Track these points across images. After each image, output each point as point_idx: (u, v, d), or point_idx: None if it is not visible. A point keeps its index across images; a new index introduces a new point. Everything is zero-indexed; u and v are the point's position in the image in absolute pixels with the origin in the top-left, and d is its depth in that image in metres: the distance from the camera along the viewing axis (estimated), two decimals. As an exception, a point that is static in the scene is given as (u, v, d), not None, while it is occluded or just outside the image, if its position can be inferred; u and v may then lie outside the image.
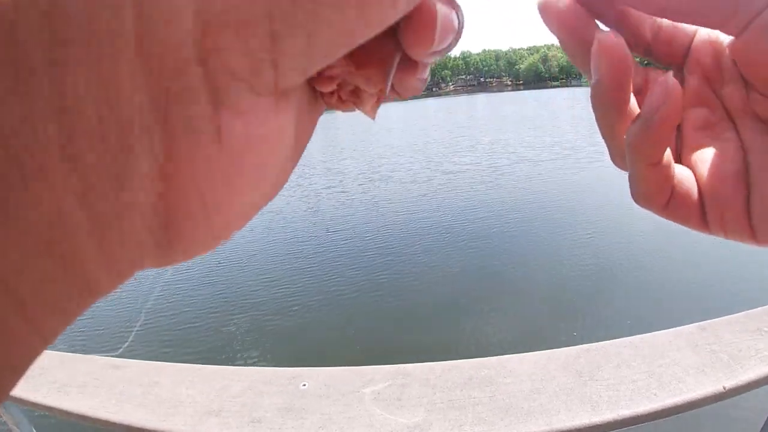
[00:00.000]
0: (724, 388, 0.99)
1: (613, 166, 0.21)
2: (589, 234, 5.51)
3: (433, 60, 0.15)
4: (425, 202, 7.61)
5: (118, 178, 0.10)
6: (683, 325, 1.20)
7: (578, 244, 5.26)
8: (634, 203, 0.21)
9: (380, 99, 0.15)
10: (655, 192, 0.19)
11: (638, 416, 0.95)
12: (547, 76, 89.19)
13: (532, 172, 9.11)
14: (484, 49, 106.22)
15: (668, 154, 0.18)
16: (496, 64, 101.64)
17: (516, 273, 4.77)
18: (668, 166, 0.18)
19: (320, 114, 0.16)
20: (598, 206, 6.55)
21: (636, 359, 1.09)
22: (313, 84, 0.14)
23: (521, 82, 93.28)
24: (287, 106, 0.13)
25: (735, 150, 0.18)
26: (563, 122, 17.57)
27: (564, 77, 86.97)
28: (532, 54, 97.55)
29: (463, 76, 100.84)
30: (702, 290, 3.95)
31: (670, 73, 0.17)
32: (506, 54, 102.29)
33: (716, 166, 0.18)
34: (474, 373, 1.04)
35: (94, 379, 1.22)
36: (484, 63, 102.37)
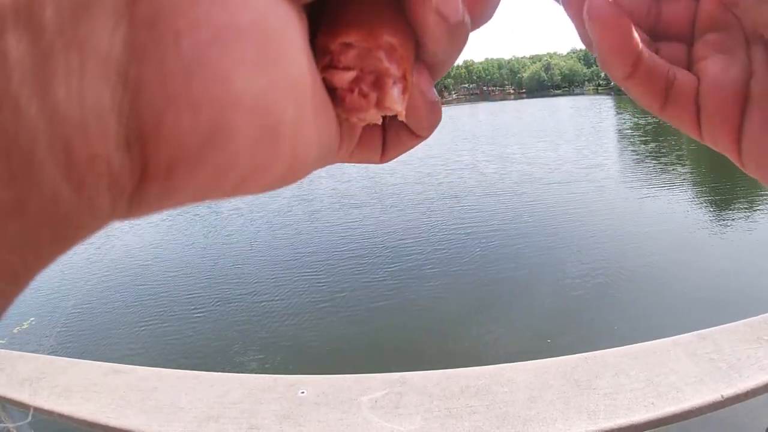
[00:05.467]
0: (723, 396, 0.99)
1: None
2: (588, 244, 5.50)
3: (447, 50, 0.14)
4: (425, 214, 7.61)
5: None
6: (682, 334, 1.20)
7: (577, 253, 5.24)
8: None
9: (406, 87, 0.14)
10: (642, 97, 0.20)
11: (636, 425, 0.95)
12: (549, 84, 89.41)
13: (532, 185, 9.11)
14: (487, 58, 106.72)
15: (651, 63, 0.19)
16: (499, 73, 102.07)
17: (514, 282, 4.75)
18: (648, 76, 0.19)
19: (345, 139, 0.15)
20: (596, 216, 6.53)
21: (634, 368, 1.09)
22: (328, 80, 0.13)
23: (524, 90, 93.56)
24: None
25: (741, 69, 0.18)
26: (568, 133, 17.60)
27: (567, 85, 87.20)
28: (535, 62, 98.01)
29: (466, 85, 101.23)
30: (701, 299, 3.92)
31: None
32: (509, 62, 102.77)
33: (718, 77, 0.19)
34: (471, 382, 1.04)
35: (94, 384, 1.23)
36: (486, 72, 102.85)
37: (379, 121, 0.15)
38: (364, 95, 0.14)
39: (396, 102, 0.14)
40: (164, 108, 0.09)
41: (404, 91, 0.14)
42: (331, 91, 0.14)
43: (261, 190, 0.13)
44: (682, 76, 0.19)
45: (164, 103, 0.09)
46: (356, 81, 0.13)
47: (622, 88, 0.20)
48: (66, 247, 0.09)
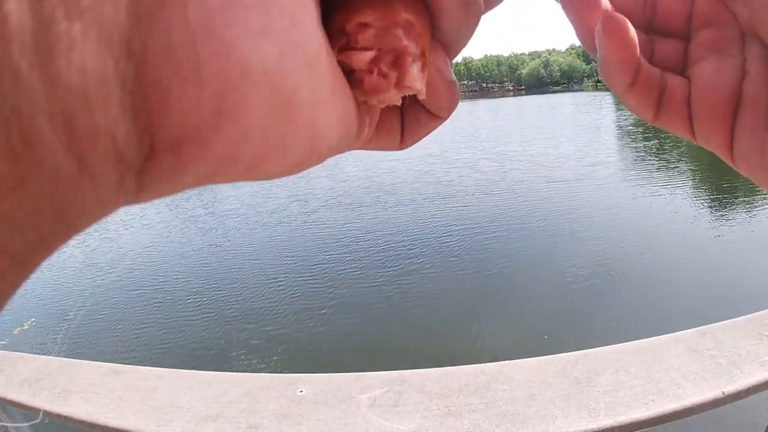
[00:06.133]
0: (724, 393, 0.98)
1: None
2: (588, 241, 5.49)
3: (461, 27, 0.15)
4: (424, 211, 7.61)
5: None
6: (682, 330, 1.19)
7: (577, 250, 5.23)
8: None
9: (425, 64, 0.14)
10: (638, 107, 0.20)
11: (636, 422, 0.95)
12: (548, 80, 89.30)
13: (532, 183, 9.10)
14: (486, 55, 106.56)
15: (647, 74, 0.19)
16: (498, 70, 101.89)
17: (514, 280, 4.75)
18: (646, 86, 0.19)
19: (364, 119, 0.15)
20: (596, 213, 6.53)
21: (634, 365, 1.08)
22: (346, 63, 0.13)
23: (523, 87, 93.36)
24: None
25: (735, 69, 0.18)
26: (568, 130, 17.58)
27: (566, 82, 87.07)
28: (534, 59, 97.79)
29: (465, 82, 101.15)
30: (701, 295, 3.92)
31: (604, 16, 0.18)
32: (508, 59, 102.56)
33: (710, 80, 0.19)
34: (470, 380, 1.04)
35: (93, 384, 1.22)
36: (485, 68, 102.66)
37: (399, 102, 0.14)
38: (383, 75, 0.13)
39: (416, 80, 0.14)
40: (171, 78, 0.09)
41: (423, 68, 0.14)
42: (348, 74, 0.13)
43: (281, 170, 0.12)
44: (673, 81, 0.19)
45: (171, 74, 0.09)
46: (375, 61, 0.13)
47: (620, 99, 0.20)
48: (70, 229, 0.09)
